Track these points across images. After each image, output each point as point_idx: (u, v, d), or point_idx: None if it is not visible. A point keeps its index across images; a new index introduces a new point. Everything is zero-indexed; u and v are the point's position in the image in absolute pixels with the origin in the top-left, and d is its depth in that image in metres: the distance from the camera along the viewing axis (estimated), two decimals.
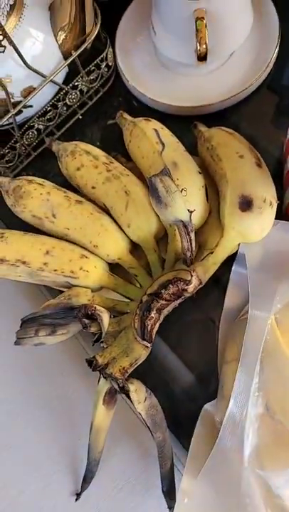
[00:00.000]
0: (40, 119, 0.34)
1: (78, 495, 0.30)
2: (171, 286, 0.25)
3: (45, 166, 0.37)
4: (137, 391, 0.24)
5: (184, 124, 0.34)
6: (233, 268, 0.29)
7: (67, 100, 0.34)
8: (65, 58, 0.32)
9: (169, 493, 0.27)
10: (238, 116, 0.36)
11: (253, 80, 0.35)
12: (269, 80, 0.37)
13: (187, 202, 0.26)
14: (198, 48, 0.31)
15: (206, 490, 0.23)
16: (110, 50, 0.36)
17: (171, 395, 0.30)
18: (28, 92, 0.31)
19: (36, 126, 0.34)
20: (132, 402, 0.24)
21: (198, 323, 0.30)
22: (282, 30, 0.36)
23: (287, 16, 0.36)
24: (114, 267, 0.29)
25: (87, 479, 0.28)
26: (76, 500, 0.30)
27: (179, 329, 0.30)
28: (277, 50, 0.36)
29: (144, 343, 0.24)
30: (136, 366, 0.25)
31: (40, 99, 0.32)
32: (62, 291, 0.28)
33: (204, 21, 0.30)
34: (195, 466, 0.24)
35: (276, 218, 0.29)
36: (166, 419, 0.26)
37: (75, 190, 0.31)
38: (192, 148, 0.32)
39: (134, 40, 0.38)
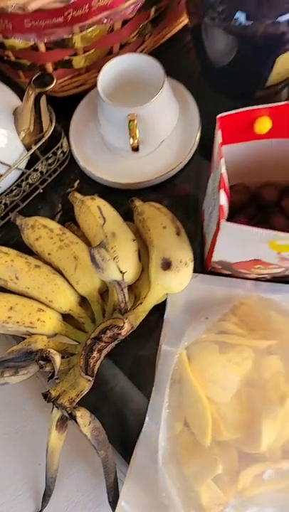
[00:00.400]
0: (7, 195, 0.41)
1: None
2: (108, 331, 0.32)
3: (10, 231, 0.44)
4: (82, 416, 0.31)
5: (126, 195, 0.42)
6: (165, 312, 0.37)
7: (29, 180, 0.43)
8: (27, 149, 0.41)
9: (115, 503, 0.32)
10: (172, 185, 0.45)
11: (182, 159, 0.44)
12: (196, 155, 0.46)
13: (121, 265, 0.34)
14: (131, 142, 0.40)
15: (136, 491, 0.29)
16: (65, 139, 0.44)
17: (122, 421, 0.36)
18: None
19: (3, 201, 0.41)
20: (78, 425, 0.31)
21: (151, 354, 0.37)
22: (201, 117, 0.46)
23: (204, 106, 0.46)
24: (66, 316, 0.36)
25: (46, 497, 0.34)
26: None
27: (134, 360, 0.37)
28: (199, 133, 0.45)
29: (87, 377, 0.31)
30: (82, 396, 0.31)
31: (7, 182, 0.40)
32: (24, 338, 0.35)
33: (135, 122, 0.39)
34: None
35: (199, 271, 0.37)
36: (116, 442, 0.33)
37: (37, 253, 0.38)
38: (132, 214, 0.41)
39: (86, 127, 0.47)
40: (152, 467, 0.28)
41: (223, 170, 0.27)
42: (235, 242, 0.29)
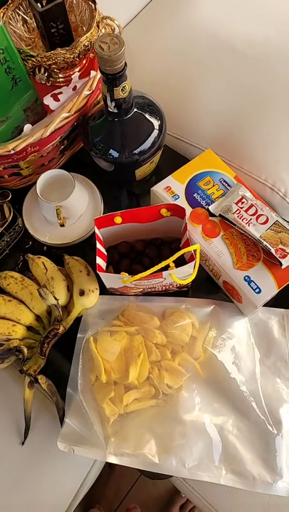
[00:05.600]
0: None
1: (23, 443, 0.61)
2: (52, 331, 0.59)
3: None
4: (41, 379, 0.58)
5: (61, 251, 0.70)
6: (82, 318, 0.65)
7: None
8: None
9: (61, 422, 0.59)
10: (90, 243, 0.73)
11: (93, 226, 0.72)
12: None
13: (56, 295, 0.62)
14: (58, 221, 0.67)
15: (71, 413, 0.56)
16: (20, 219, 0.72)
17: (61, 379, 0.62)
18: None
19: None
20: (40, 384, 0.58)
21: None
22: (102, 197, 0.74)
23: (104, 189, 0.75)
24: (29, 327, 0.63)
25: (26, 430, 0.60)
26: (22, 444, 0.61)
27: (66, 346, 0.64)
28: (102, 207, 0.74)
29: (42, 357, 0.58)
30: (40, 368, 0.59)
31: None
32: (2, 344, 0.61)
33: (60, 209, 0.67)
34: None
35: (103, 293, 0.66)
36: (59, 392, 0.60)
37: (9, 293, 0.65)
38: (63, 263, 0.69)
39: (33, 209, 0.75)
40: (76, 398, 0.56)
41: (98, 245, 0.56)
42: (109, 279, 0.57)
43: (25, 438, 0.61)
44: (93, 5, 0.65)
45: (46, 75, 0.61)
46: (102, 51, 0.51)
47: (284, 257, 0.58)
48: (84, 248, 0.72)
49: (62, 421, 0.59)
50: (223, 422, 0.58)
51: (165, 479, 0.59)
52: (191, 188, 0.65)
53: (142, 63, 0.82)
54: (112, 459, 0.55)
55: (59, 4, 0.59)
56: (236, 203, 0.62)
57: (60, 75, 0.66)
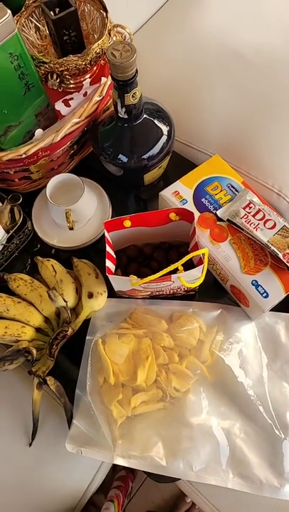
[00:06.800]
0: None
1: (30, 444, 0.61)
2: (60, 333, 0.60)
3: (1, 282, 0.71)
4: (50, 380, 0.58)
5: (71, 253, 0.71)
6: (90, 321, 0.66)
7: (9, 249, 0.70)
8: (7, 232, 0.69)
9: (69, 424, 0.60)
10: (96, 247, 0.74)
11: (101, 229, 0.73)
12: None
13: (65, 297, 0.63)
14: (68, 225, 0.68)
15: (79, 415, 0.56)
16: (29, 222, 0.73)
17: (69, 382, 0.63)
18: None
19: None
20: (48, 385, 0.58)
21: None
22: (111, 201, 0.75)
23: (113, 194, 0.76)
24: (38, 329, 0.64)
25: (34, 432, 0.61)
26: (30, 445, 0.61)
27: (74, 349, 0.65)
28: (110, 211, 0.75)
29: (51, 358, 0.59)
30: (49, 370, 0.59)
31: None
32: (11, 346, 0.62)
33: (70, 213, 0.68)
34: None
35: (111, 296, 0.66)
36: (67, 394, 0.60)
37: (18, 295, 0.66)
38: (72, 266, 0.69)
39: (42, 212, 0.76)
40: (84, 400, 0.56)
41: (108, 248, 0.56)
42: (118, 282, 0.58)
43: (32, 439, 0.61)
44: (105, 13, 0.66)
45: (58, 81, 0.63)
46: (115, 58, 0.52)
47: None
48: (90, 252, 0.73)
49: (70, 422, 0.59)
50: (230, 425, 0.58)
51: (171, 482, 0.59)
52: (199, 193, 0.66)
53: (150, 70, 0.84)
54: (120, 461, 0.55)
55: (72, 12, 0.61)
56: (244, 208, 0.62)
57: (72, 81, 0.67)
